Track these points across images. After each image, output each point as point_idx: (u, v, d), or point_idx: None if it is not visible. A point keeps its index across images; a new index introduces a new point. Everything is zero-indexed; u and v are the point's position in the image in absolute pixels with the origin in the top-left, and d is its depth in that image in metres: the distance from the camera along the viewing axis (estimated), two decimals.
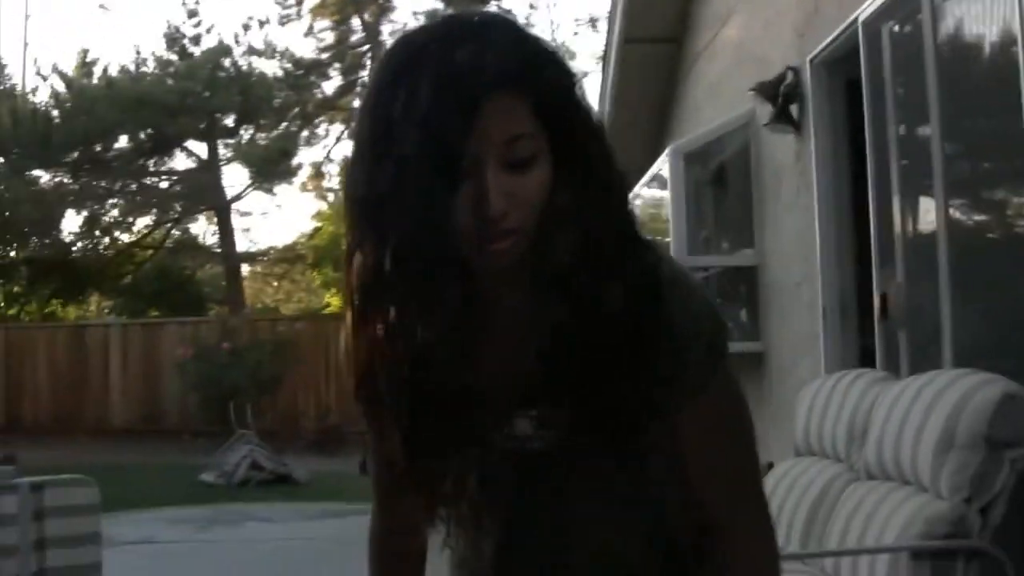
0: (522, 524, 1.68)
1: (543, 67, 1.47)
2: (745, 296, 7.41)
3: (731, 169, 7.78)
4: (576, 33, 34.38)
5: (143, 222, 24.15)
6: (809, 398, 4.63)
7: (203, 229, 25.85)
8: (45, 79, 21.85)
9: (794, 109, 6.34)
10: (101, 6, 33.13)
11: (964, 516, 3.21)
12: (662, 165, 7.87)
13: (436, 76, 1.40)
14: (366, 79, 25.97)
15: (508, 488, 1.66)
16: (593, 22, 25.23)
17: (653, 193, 8.69)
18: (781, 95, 6.35)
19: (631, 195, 1.59)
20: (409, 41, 1.48)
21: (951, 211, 4.81)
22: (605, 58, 10.64)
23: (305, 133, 23.31)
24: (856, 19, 5.39)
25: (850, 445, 4.12)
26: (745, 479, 1.68)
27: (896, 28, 5.24)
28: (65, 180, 22.13)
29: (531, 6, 27.13)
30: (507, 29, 1.49)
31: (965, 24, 4.73)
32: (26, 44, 25.61)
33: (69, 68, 22.22)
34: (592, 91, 13.92)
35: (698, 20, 8.91)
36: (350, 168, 1.52)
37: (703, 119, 8.52)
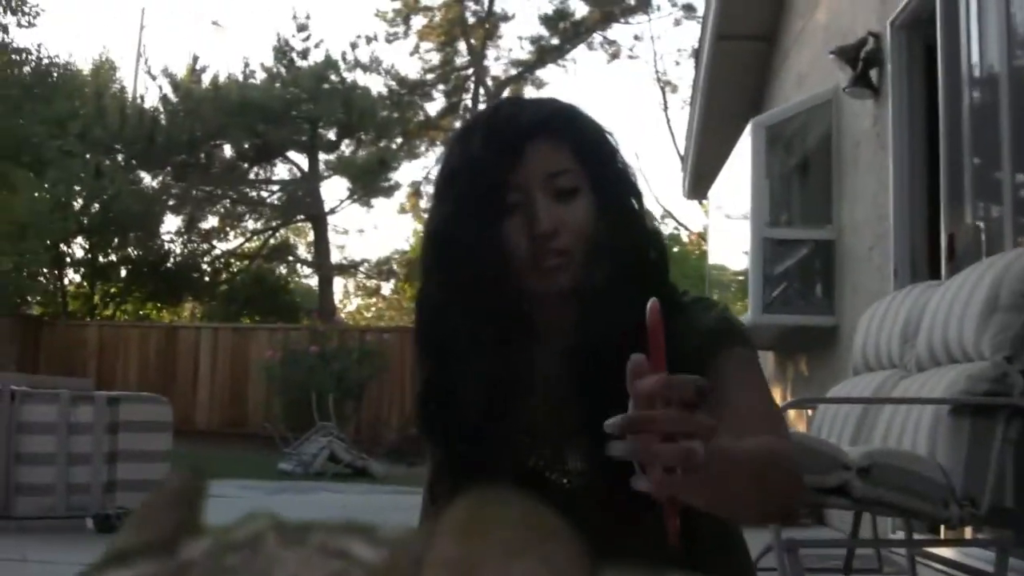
0: None
1: (575, 118, 1.76)
2: (821, 270, 7.45)
3: (814, 152, 7.84)
4: (678, 63, 34.45)
5: (241, 229, 24.58)
6: (866, 320, 4.66)
7: (300, 239, 26.31)
8: (154, 79, 22.25)
9: (874, 74, 6.40)
10: (214, 23, 33.90)
11: (1006, 374, 3.24)
12: (745, 141, 7.95)
13: (484, 131, 1.71)
14: (468, 102, 26.41)
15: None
16: (696, 53, 25.34)
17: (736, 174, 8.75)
18: (861, 60, 6.42)
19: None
20: (467, 119, 1.98)
21: (1018, 162, 4.85)
22: (698, 56, 10.76)
23: (405, 150, 23.66)
24: None
25: (903, 348, 4.15)
26: (781, 422, 1.75)
27: None
28: (168, 181, 22.55)
29: (635, 37, 27.32)
30: (542, 98, 1.82)
31: None
32: (139, 54, 26.15)
33: (179, 72, 22.82)
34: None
35: (790, 13, 9.01)
36: (427, 216, 1.85)
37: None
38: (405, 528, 0.40)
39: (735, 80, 10.20)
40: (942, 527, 4.20)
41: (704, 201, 11.48)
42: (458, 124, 25.29)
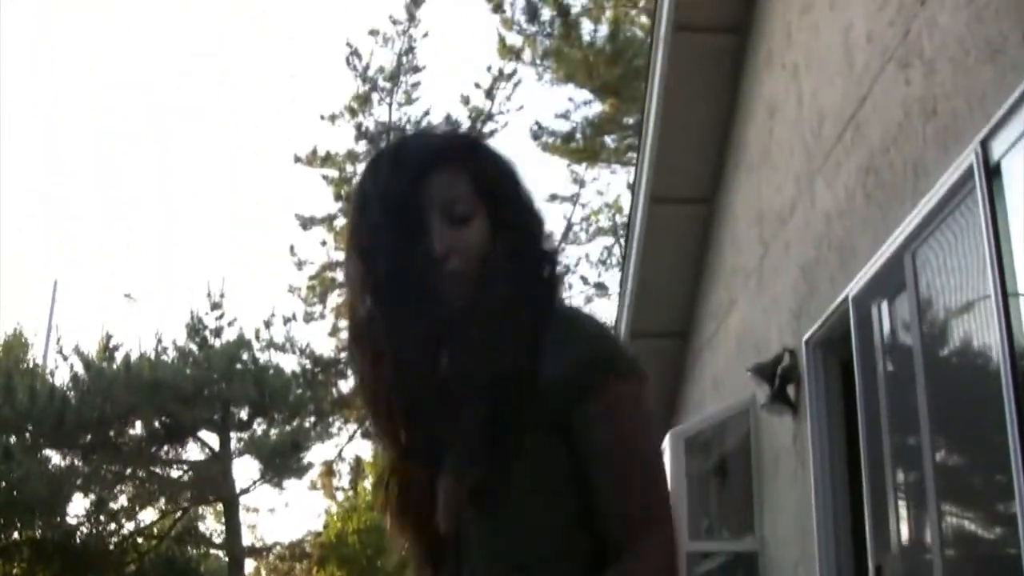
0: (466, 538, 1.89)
1: (477, 150, 1.99)
2: None
3: (732, 457, 7.82)
4: None
5: (150, 510, 24.03)
6: None
7: (210, 520, 25.71)
8: (66, 359, 22.10)
9: (791, 390, 6.43)
10: (127, 295, 34.06)
11: None
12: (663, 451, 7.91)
13: (392, 159, 1.95)
14: None
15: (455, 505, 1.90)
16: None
17: None
18: (778, 376, 6.46)
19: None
20: (378, 149, 2.06)
21: (941, 489, 4.82)
22: None
23: (318, 430, 23.44)
24: (847, 298, 5.54)
25: None
26: (642, 493, 1.82)
27: (885, 306, 5.37)
28: (76, 462, 22.14)
29: None
30: (451, 128, 2.15)
31: (947, 305, 4.84)
32: (50, 328, 26.25)
33: (91, 350, 22.64)
34: None
35: (703, 312, 9.13)
36: (347, 231, 2.05)
37: (707, 412, 8.61)
38: None
39: (650, 375, 10.24)
40: None
41: None
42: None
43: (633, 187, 9.51)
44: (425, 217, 1.88)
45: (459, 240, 1.88)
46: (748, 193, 7.72)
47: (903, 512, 5.20)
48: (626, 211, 25.11)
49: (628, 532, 1.77)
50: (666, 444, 7.70)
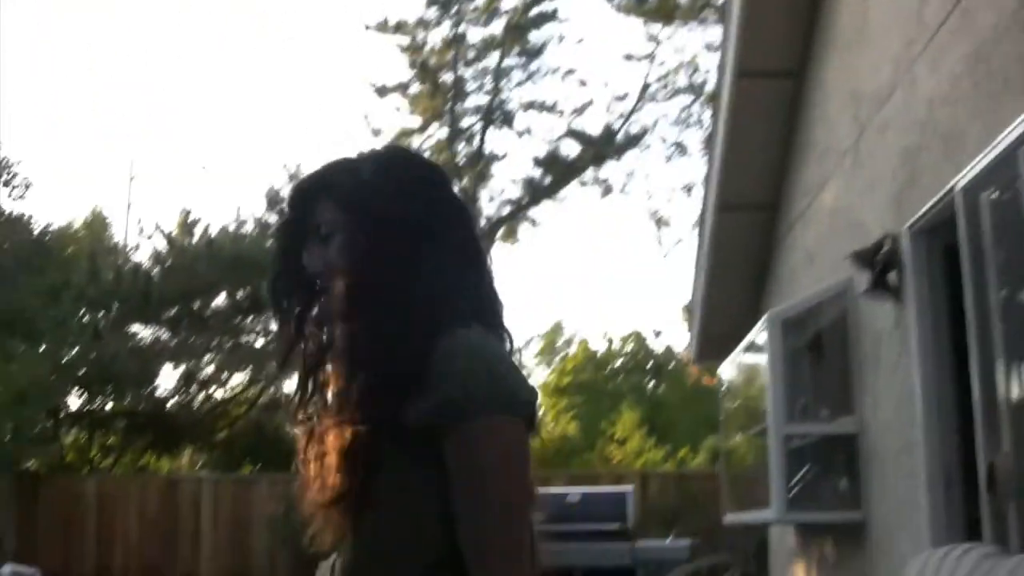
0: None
1: (336, 178, 2.16)
2: (844, 464, 7.28)
3: (829, 336, 7.70)
4: (670, 200, 34.64)
5: (238, 379, 24.46)
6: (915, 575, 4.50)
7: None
8: (149, 238, 22.39)
9: (892, 276, 6.30)
10: (203, 168, 34.17)
11: None
12: (759, 332, 7.83)
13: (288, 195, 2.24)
14: None
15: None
16: (688, 189, 25.41)
17: (750, 360, 8.64)
18: (879, 263, 6.31)
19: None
20: None
21: None
22: (701, 225, 10.70)
23: None
24: (953, 187, 5.37)
25: None
26: (491, 531, 1.88)
27: (995, 196, 5.20)
28: (163, 336, 22.54)
29: (628, 174, 27.19)
30: (338, 159, 2.21)
31: None
32: (129, 205, 26.62)
33: (171, 227, 22.93)
34: (688, 258, 14.10)
35: (793, 187, 8.96)
36: None
37: (800, 287, 8.50)
38: None
39: (740, 247, 10.14)
40: None
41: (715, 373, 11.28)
42: None
43: (720, 60, 9.30)
44: (306, 241, 2.14)
45: (324, 256, 2.11)
46: (841, 71, 7.49)
47: (1017, 406, 5.10)
48: (703, 70, 24.80)
49: (475, 571, 1.88)
50: (762, 325, 7.63)
